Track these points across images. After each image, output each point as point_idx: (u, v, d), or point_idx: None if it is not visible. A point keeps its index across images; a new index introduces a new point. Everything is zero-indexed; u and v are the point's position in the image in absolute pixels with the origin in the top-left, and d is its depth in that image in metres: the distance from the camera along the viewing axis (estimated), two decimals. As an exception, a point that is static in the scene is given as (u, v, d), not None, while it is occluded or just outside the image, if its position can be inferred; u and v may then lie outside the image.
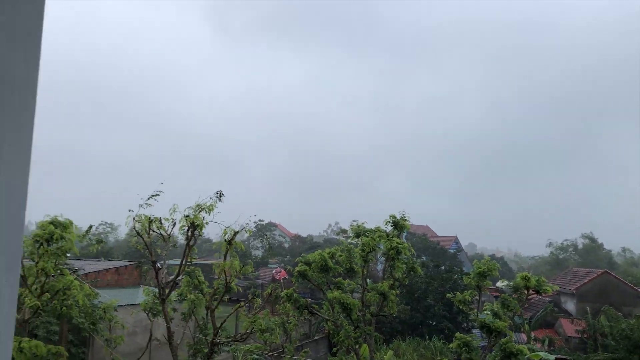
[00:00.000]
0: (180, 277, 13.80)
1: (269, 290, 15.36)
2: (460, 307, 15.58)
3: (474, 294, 15.34)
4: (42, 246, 10.39)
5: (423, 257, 46.96)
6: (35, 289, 10.39)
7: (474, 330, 24.27)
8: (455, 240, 71.37)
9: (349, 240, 17.29)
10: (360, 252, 15.51)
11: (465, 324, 31.08)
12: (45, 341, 11.78)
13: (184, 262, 13.24)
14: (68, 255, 11.44)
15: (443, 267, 38.41)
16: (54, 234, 10.41)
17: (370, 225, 16.21)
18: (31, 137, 1.32)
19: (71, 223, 11.08)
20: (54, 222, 10.66)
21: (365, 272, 15.92)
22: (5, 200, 1.25)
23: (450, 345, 14.40)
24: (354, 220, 16.63)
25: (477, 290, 15.23)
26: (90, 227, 13.23)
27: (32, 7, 1.32)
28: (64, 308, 10.79)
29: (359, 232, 15.89)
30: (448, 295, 16.79)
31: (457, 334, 14.32)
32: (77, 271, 15.34)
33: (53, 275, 10.73)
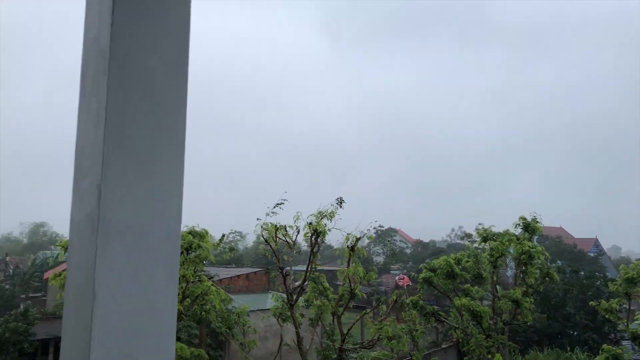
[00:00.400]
0: (306, 283, 14.18)
1: (394, 297, 15.19)
2: (607, 316, 14.19)
3: (622, 302, 13.90)
4: (182, 255, 11.29)
5: (558, 262, 43.58)
6: (177, 295, 11.30)
7: (624, 342, 21.94)
8: (596, 243, 65.24)
9: (475, 245, 16.59)
10: (488, 257, 14.79)
11: (612, 335, 28.23)
12: (187, 344, 12.75)
13: (309, 268, 13.60)
14: (205, 262, 12.31)
15: (582, 273, 35.30)
16: (193, 243, 11.25)
17: (497, 228, 15.42)
18: (183, 155, 1.41)
19: (207, 232, 11.92)
20: (192, 232, 11.54)
21: (495, 279, 15.13)
22: (164, 215, 1.34)
23: (597, 358, 13.15)
24: (479, 224, 16.01)
25: (625, 298, 13.78)
26: (223, 235, 14.11)
27: (179, 32, 1.42)
28: (203, 313, 11.60)
29: (486, 236, 15.16)
30: (591, 303, 15.40)
31: (605, 346, 13.04)
32: (212, 277, 16.43)
33: (192, 282, 11.59)
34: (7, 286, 38.79)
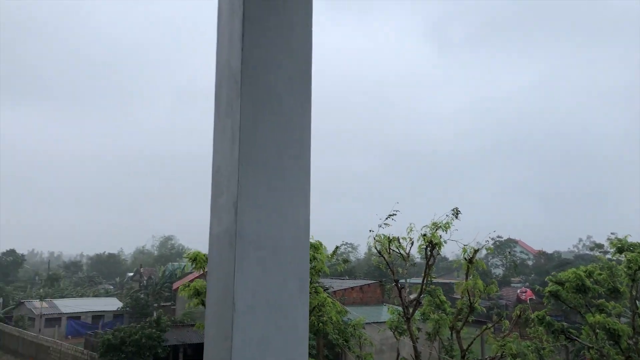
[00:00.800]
0: (422, 296, 13.88)
1: (518, 312, 14.31)
2: None
3: None
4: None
5: None
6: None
7: None
8: None
9: (609, 256, 15.17)
10: (625, 269, 13.42)
11: None
12: (306, 354, 12.98)
13: (424, 281, 13.30)
14: (320, 274, 12.53)
15: None
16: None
17: (633, 238, 13.97)
18: (309, 169, 1.45)
19: (320, 244, 12.14)
20: (307, 244, 11.81)
21: (635, 293, 13.68)
22: (293, 228, 1.38)
23: None
24: (611, 233, 14.55)
25: None
26: (337, 247, 14.30)
27: (302, 51, 1.47)
28: (320, 324, 11.80)
29: (622, 247, 13.78)
30: None
31: None
32: (327, 289, 16.67)
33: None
34: (142, 295, 42.51)
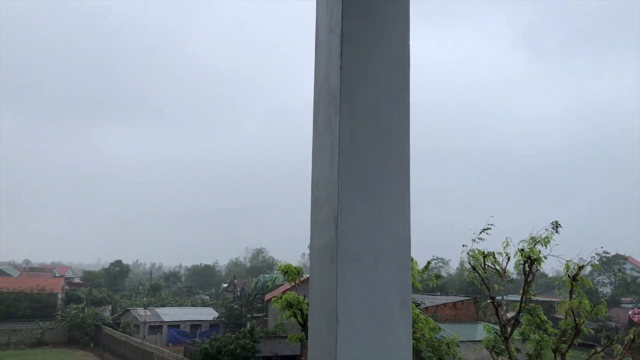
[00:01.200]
0: (520, 315, 13.15)
1: (632, 336, 13.09)
2: None
3: None
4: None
5: None
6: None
7: None
8: None
9: None
10: None
11: None
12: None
13: (523, 299, 12.60)
14: (412, 289, 12.29)
15: None
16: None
17: None
18: (408, 184, 1.43)
19: (412, 259, 11.91)
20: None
21: None
22: (394, 243, 1.37)
23: None
24: None
25: None
26: (429, 262, 13.97)
27: (400, 66, 1.47)
28: (413, 341, 11.53)
29: None
30: None
31: None
32: (419, 305, 16.29)
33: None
34: (236, 306, 43.98)
